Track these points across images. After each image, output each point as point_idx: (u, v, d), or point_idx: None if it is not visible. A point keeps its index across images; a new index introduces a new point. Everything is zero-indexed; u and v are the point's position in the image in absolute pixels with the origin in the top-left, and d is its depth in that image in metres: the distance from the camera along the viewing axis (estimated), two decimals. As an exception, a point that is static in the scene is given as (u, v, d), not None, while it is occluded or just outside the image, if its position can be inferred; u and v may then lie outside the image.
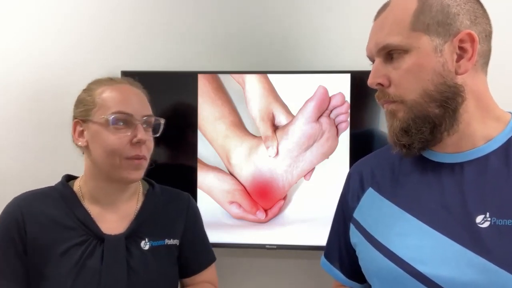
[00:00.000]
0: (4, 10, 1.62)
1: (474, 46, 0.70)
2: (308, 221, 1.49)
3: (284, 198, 1.50)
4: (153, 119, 1.02)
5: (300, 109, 1.48)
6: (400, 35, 0.71)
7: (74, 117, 1.02)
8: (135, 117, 0.98)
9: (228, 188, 1.51)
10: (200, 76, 1.51)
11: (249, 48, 1.60)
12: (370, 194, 0.83)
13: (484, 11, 0.74)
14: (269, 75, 1.49)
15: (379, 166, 0.85)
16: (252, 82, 1.49)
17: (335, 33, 1.57)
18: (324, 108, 1.47)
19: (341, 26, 1.57)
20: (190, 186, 1.50)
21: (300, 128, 1.48)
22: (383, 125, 1.46)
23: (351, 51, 1.53)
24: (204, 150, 1.52)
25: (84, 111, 1.00)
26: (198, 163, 1.52)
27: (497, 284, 0.65)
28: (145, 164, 1.01)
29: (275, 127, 1.49)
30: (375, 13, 0.78)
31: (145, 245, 1.01)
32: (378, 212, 0.80)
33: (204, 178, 1.52)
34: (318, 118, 1.47)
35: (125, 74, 1.45)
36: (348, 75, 1.45)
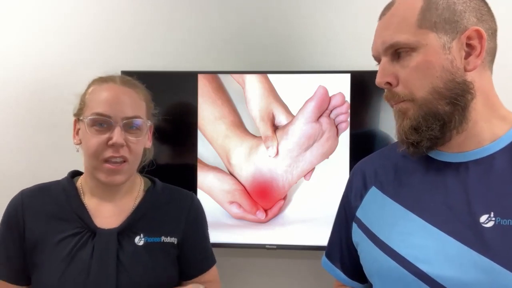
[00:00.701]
0: (4, 10, 1.62)
1: (483, 42, 0.70)
2: (308, 221, 1.49)
3: (284, 198, 1.50)
4: (137, 120, 0.99)
5: (300, 109, 1.48)
6: (407, 33, 0.71)
7: (73, 115, 1.03)
8: (113, 118, 0.96)
9: (228, 188, 1.51)
10: (200, 76, 1.51)
11: (249, 48, 1.60)
12: (373, 193, 0.83)
13: (489, 9, 0.74)
14: (269, 75, 1.49)
15: (382, 165, 0.85)
16: (252, 82, 1.49)
17: (335, 33, 1.57)
18: (324, 108, 1.47)
19: (341, 26, 1.57)
20: (190, 186, 1.50)
21: (300, 128, 1.48)
22: (383, 125, 1.46)
23: (351, 51, 1.54)
24: (204, 150, 1.52)
25: (78, 109, 1.02)
26: (198, 163, 1.52)
27: (501, 284, 0.65)
28: (127, 167, 0.99)
29: (275, 127, 1.49)
30: (375, 13, 0.78)
31: (139, 240, 1.01)
32: (381, 211, 0.80)
33: (204, 178, 1.52)
34: (318, 118, 1.47)
35: (125, 74, 1.42)
36: (348, 75, 1.45)
